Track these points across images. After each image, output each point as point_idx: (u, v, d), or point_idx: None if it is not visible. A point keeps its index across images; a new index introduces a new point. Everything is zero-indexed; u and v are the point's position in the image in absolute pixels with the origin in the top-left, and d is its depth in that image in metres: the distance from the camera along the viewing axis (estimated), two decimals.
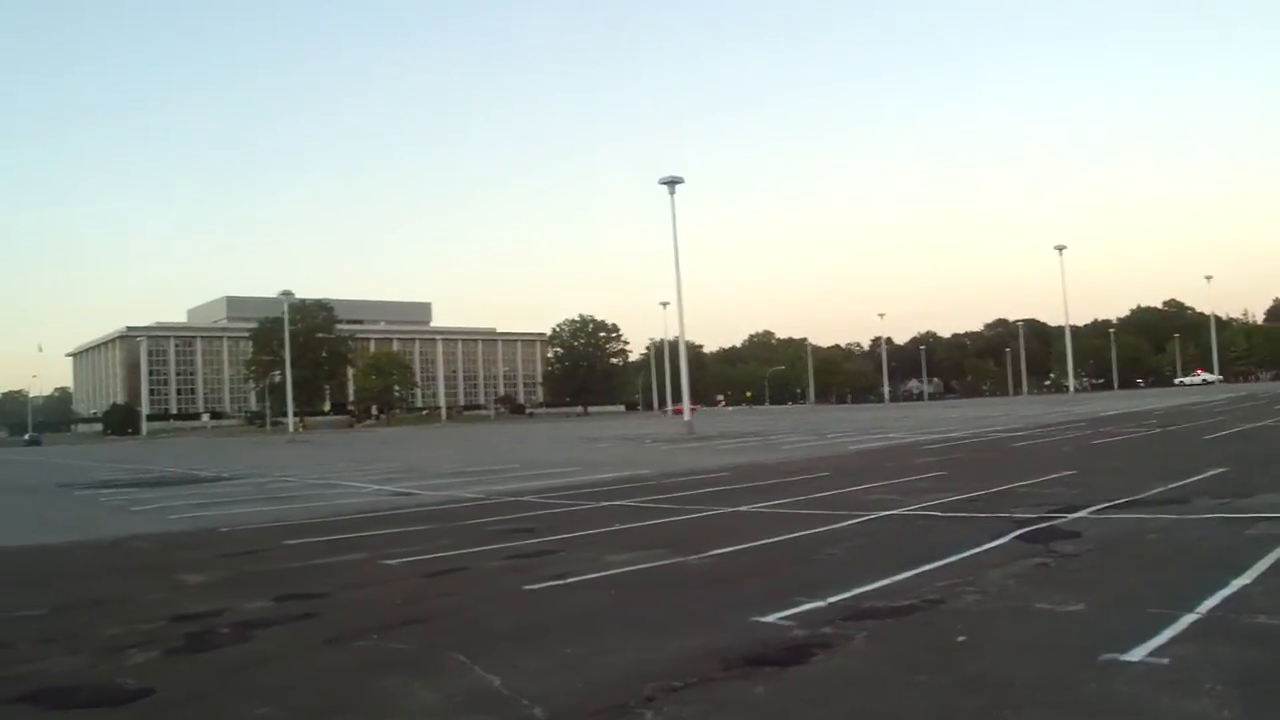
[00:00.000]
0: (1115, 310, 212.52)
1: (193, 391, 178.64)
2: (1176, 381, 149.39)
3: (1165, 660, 6.28)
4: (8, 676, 7.26)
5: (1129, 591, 8.48)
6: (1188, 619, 7.24)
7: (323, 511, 19.21)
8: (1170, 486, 15.96)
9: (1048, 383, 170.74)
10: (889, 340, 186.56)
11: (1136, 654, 6.38)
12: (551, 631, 8.02)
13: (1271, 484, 15.89)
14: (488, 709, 6.02)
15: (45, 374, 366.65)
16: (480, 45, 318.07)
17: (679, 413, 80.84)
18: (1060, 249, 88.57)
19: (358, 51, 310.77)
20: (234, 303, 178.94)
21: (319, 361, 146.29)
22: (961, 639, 7.11)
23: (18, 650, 8.15)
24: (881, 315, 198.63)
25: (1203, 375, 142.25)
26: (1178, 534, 11.44)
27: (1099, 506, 13.84)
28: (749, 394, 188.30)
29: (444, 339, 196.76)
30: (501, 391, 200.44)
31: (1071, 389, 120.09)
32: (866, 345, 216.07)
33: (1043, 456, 25.13)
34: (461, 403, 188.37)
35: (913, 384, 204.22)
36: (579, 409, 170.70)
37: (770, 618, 7.98)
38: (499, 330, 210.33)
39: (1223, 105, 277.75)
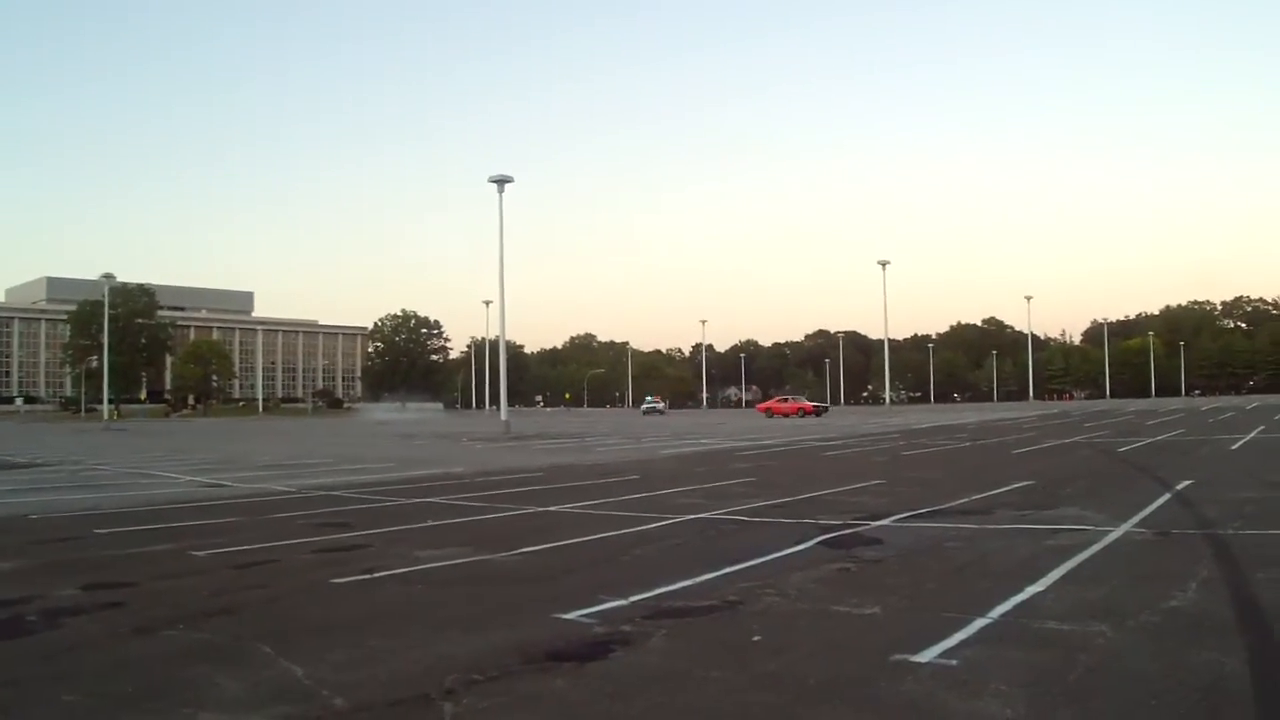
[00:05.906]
0: (936, 326, 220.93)
1: (7, 374, 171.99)
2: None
3: (954, 662, 6.42)
4: None
5: (925, 596, 8.67)
6: (979, 623, 7.43)
7: (135, 501, 18.68)
8: (975, 497, 16.37)
9: (865, 394, 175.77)
10: (710, 347, 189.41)
11: (926, 655, 6.52)
12: (357, 625, 8.00)
13: (1074, 497, 16.24)
14: (290, 699, 6.05)
15: None
16: (312, 34, 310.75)
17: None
18: (884, 264, 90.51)
19: (190, 39, 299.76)
20: (54, 284, 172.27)
21: (138, 348, 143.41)
22: (757, 638, 7.18)
23: None
24: (703, 322, 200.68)
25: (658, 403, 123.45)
26: (978, 543, 11.71)
27: (903, 515, 14.16)
28: (568, 396, 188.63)
29: (265, 329, 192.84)
30: (321, 384, 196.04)
31: (888, 401, 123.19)
32: (688, 351, 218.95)
33: (853, 465, 25.74)
34: (280, 394, 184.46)
35: (732, 391, 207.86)
36: (398, 405, 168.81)
37: (572, 615, 7.99)
38: (321, 322, 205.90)
39: (1047, 130, 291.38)
